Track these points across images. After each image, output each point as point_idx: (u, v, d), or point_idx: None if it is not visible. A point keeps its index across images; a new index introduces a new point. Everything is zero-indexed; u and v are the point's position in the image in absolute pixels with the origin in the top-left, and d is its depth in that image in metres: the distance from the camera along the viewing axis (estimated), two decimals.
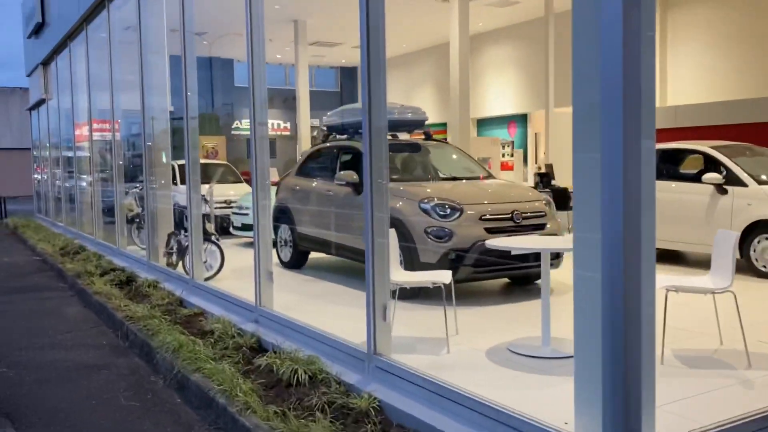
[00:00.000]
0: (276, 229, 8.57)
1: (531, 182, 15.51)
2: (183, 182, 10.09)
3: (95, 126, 12.80)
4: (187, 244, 7.96)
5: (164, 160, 9.63)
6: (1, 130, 39.37)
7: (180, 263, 8.38)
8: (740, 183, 7.55)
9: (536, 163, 18.63)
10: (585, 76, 2.84)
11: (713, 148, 8.09)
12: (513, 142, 20.49)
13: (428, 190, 6.84)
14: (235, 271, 8.14)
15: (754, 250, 7.35)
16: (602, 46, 2.70)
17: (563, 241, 5.24)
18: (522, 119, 20.48)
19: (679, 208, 7.98)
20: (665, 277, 4.75)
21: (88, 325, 7.18)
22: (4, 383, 5.26)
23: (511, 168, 19.17)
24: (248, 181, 14.15)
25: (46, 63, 18.06)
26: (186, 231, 7.98)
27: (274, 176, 11.77)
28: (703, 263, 8.16)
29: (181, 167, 11.34)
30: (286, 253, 8.68)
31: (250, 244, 10.72)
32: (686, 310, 5.59)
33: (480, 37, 19.36)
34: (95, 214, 12.90)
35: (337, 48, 21.48)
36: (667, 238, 8.02)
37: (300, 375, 4.35)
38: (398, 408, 3.74)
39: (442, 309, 5.22)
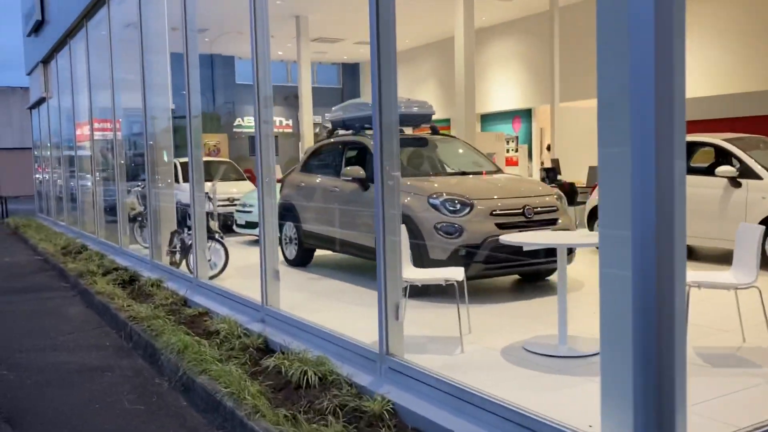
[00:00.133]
0: (281, 226, 8.43)
1: (536, 178, 15.35)
2: (185, 180, 9.97)
3: (96, 125, 12.67)
4: (190, 242, 7.83)
5: (166, 158, 9.50)
6: (1, 130, 39.26)
7: (183, 262, 8.25)
8: (755, 176, 7.39)
9: (546, 154, 18.47)
10: (611, 66, 2.69)
11: (726, 140, 7.93)
12: (517, 138, 20.32)
13: (437, 186, 6.69)
14: (239, 270, 8.00)
15: None
16: (631, 34, 2.54)
17: (580, 237, 5.09)
18: (526, 114, 20.31)
19: (691, 202, 7.80)
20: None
21: (90, 325, 7.05)
22: (4, 386, 5.12)
23: (515, 163, 19.00)
24: (250, 179, 14.06)
25: (46, 61, 17.93)
26: (189, 229, 7.84)
27: (277, 174, 11.63)
28: (715, 258, 7.99)
29: (183, 165, 11.24)
30: (291, 251, 8.54)
31: (254, 242, 10.68)
32: (706, 306, 5.44)
33: (483, 32, 19.18)
34: (97, 213, 12.78)
35: (338, 44, 21.31)
36: None
37: (309, 376, 4.20)
38: (413, 411, 3.60)
39: (451, 306, 5.07)
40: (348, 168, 7.47)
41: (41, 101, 19.72)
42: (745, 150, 7.69)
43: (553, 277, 6.98)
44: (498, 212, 6.30)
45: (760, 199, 7.29)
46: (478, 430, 3.28)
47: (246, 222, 10.66)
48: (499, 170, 7.76)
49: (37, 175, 22.82)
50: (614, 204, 2.71)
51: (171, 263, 8.56)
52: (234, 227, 10.87)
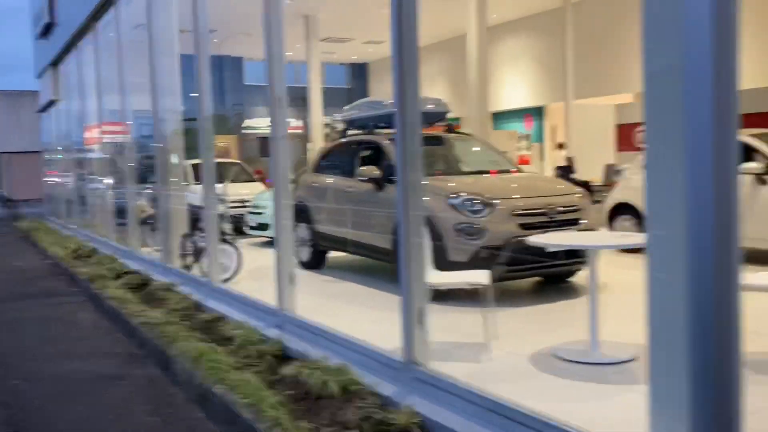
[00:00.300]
0: (294, 228, 8.25)
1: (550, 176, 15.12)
2: (197, 182, 9.82)
3: (106, 128, 12.57)
4: (202, 245, 7.67)
5: (176, 161, 9.36)
6: (11, 133, 39.35)
7: (195, 265, 8.09)
8: None
9: (557, 152, 18.23)
10: (660, 58, 2.49)
11: (752, 136, 7.70)
12: (529, 136, 20.10)
13: (456, 185, 6.50)
14: (252, 273, 7.83)
15: None
16: (686, 30, 2.35)
17: (614, 238, 4.89)
18: (538, 112, 20.08)
19: None
20: None
21: (102, 332, 6.90)
22: (14, 396, 4.97)
23: (528, 162, 18.78)
24: (261, 180, 13.91)
25: (55, 64, 17.86)
26: (201, 232, 7.69)
27: None
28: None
29: (194, 167, 11.09)
30: (305, 253, 8.37)
31: (265, 244, 10.52)
32: (747, 309, 5.20)
33: (494, 29, 18.96)
34: (107, 216, 12.66)
35: (347, 44, 21.14)
36: None
37: (331, 386, 4.02)
38: (443, 425, 3.41)
39: (473, 310, 4.89)
40: (364, 168, 7.29)
41: (51, 104, 19.66)
42: None
43: (576, 279, 6.77)
44: (520, 212, 6.11)
45: None
46: None
47: (258, 224, 10.50)
48: (518, 169, 7.57)
49: (47, 179, 22.78)
50: (665, 204, 2.52)
51: (183, 267, 8.41)
52: (246, 229, 10.71)
